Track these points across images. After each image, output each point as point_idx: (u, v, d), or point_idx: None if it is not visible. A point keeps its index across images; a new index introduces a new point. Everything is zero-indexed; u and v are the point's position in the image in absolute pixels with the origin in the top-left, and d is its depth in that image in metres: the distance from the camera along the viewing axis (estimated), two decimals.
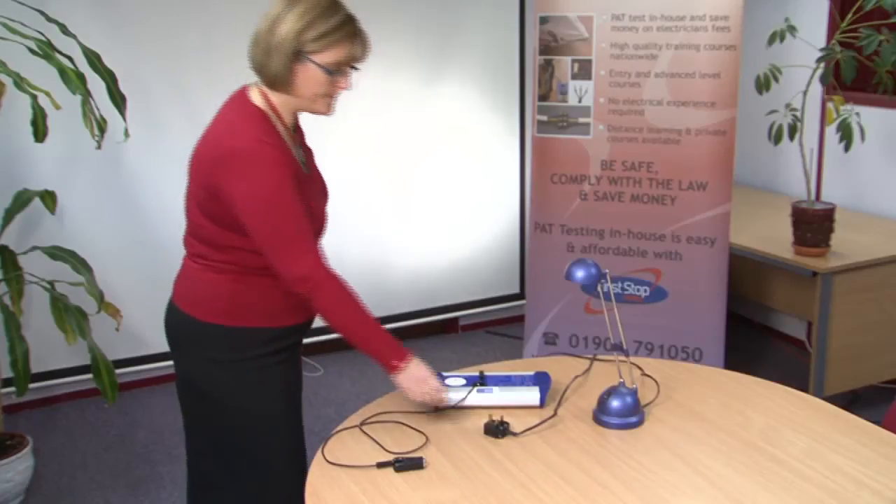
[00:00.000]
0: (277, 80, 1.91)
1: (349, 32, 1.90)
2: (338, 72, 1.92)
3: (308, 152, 2.10)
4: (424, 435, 1.95)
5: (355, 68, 1.96)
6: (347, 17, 1.91)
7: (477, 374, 2.14)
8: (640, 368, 2.27)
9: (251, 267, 1.96)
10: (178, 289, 2.09)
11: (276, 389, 2.06)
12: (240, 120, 1.93)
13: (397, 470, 1.81)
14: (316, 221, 2.01)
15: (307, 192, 1.99)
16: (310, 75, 1.90)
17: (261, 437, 2.05)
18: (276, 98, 1.95)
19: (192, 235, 2.03)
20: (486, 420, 1.96)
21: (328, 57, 1.89)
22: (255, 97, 1.96)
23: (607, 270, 2.10)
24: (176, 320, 2.09)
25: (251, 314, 2.00)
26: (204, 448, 2.13)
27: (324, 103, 1.96)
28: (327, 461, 1.85)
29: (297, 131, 2.07)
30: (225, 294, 1.99)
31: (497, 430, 1.94)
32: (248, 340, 2.01)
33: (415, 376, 1.97)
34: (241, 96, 1.98)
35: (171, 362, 4.04)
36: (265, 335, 2.02)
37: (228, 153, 1.88)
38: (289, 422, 2.10)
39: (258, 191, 1.86)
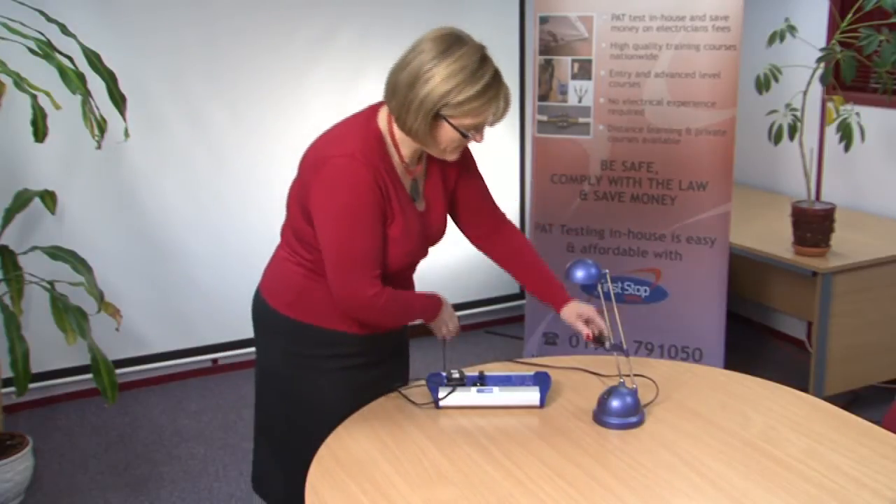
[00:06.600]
0: (412, 133, 1.88)
1: (492, 97, 1.82)
2: (474, 130, 1.87)
3: (436, 186, 2.06)
4: (425, 435, 1.95)
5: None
6: (493, 75, 1.82)
7: (477, 373, 2.14)
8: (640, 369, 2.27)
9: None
10: (264, 274, 2.17)
11: (333, 394, 2.07)
12: (351, 133, 1.93)
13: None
14: (393, 257, 1.97)
15: (404, 225, 1.96)
16: (445, 132, 1.86)
17: (312, 436, 1.99)
18: (399, 131, 1.93)
19: (288, 225, 2.08)
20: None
21: (468, 121, 1.83)
22: (382, 118, 1.95)
23: (607, 270, 2.10)
24: (255, 305, 2.17)
25: (314, 313, 2.04)
26: (270, 425, 2.19)
27: (453, 153, 1.94)
28: (327, 461, 1.85)
29: (429, 163, 2.04)
30: (295, 287, 2.05)
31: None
32: (309, 338, 2.05)
33: (442, 318, 2.17)
34: (370, 112, 1.98)
35: (170, 362, 4.14)
36: (326, 337, 2.05)
37: (323, 160, 1.90)
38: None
39: (331, 205, 1.88)
